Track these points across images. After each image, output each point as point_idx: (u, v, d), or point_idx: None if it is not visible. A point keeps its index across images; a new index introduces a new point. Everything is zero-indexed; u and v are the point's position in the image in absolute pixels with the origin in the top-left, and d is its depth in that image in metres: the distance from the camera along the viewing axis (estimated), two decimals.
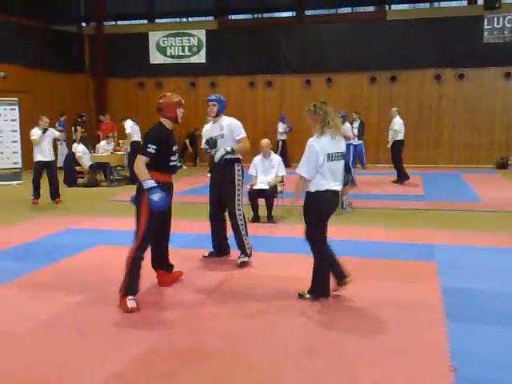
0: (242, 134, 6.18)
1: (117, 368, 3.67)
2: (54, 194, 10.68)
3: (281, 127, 17.45)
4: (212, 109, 6.13)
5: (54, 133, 10.85)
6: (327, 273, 4.96)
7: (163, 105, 5.04)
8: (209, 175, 6.73)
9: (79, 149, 13.74)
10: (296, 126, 16.48)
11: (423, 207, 10.07)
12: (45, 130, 10.42)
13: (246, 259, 6.18)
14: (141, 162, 4.82)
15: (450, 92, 17.91)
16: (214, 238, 6.50)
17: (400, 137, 13.24)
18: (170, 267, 5.50)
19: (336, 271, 5.02)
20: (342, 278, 5.03)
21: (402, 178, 13.31)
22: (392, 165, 13.75)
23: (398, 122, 13.23)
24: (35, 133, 10.47)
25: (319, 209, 4.84)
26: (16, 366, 3.72)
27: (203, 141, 6.42)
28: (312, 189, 4.80)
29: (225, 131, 6.11)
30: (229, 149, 6.05)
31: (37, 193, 10.61)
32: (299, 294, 5.01)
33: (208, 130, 6.39)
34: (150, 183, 4.74)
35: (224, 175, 6.13)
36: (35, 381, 3.54)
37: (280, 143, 17.25)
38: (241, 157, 6.27)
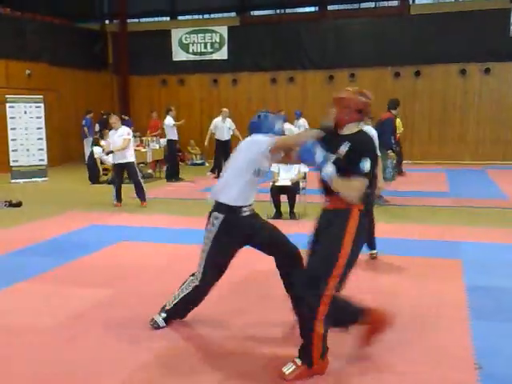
0: None
1: (139, 364, 3.67)
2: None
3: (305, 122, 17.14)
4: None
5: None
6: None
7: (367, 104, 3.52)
8: None
9: (96, 150, 13.83)
10: (318, 122, 16.32)
11: (448, 204, 9.93)
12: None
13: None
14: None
15: (476, 87, 17.59)
16: None
17: None
18: None
19: None
20: None
21: None
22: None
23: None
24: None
25: None
26: (40, 363, 3.75)
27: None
28: None
29: None
30: None
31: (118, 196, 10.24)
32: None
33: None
34: None
35: None
36: (60, 377, 3.56)
37: None
38: None
